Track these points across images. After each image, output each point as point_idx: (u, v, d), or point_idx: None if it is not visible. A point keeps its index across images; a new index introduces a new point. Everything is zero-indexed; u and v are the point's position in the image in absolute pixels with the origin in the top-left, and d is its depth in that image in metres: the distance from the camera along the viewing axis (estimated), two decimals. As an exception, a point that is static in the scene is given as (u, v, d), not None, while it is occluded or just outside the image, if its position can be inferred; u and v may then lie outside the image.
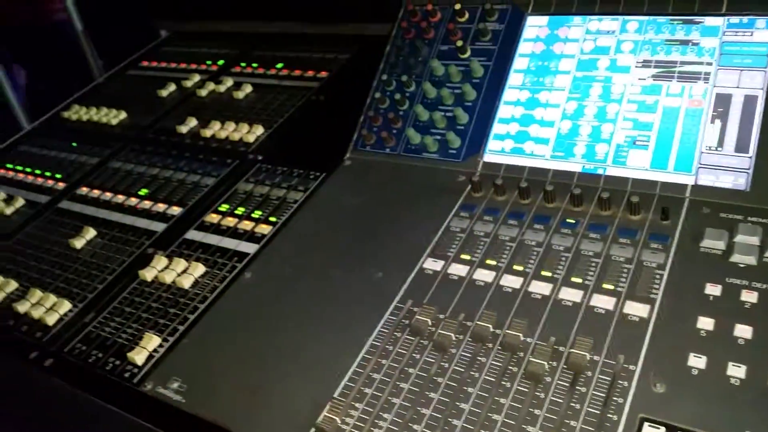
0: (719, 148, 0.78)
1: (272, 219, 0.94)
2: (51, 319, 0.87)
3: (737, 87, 0.80)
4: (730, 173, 0.76)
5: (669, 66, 0.85)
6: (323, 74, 1.29)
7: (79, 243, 1.01)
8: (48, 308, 0.89)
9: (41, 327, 0.88)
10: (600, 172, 0.83)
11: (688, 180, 0.77)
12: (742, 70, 0.81)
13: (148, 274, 0.89)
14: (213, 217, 0.99)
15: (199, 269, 0.88)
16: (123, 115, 1.38)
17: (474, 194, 0.87)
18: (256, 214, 0.97)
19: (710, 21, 0.86)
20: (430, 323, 0.70)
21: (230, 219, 0.97)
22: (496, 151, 0.91)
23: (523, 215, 0.81)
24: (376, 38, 1.14)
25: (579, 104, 0.88)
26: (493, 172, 0.89)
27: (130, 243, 0.99)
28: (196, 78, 1.42)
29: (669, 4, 0.88)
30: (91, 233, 1.03)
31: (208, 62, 1.50)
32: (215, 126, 1.21)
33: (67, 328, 0.86)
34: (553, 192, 0.81)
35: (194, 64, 1.51)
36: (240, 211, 0.98)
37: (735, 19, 0.84)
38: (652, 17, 0.89)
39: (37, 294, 0.93)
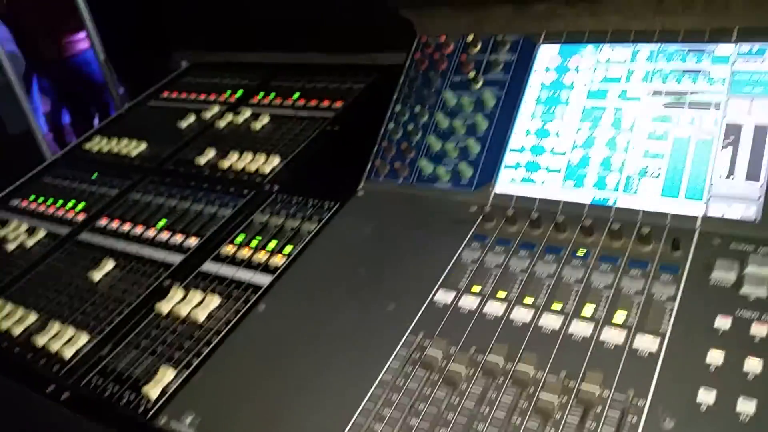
0: (730, 178, 0.77)
1: (287, 250, 0.95)
2: (68, 352, 0.89)
3: (748, 115, 0.80)
4: (741, 203, 0.75)
5: (680, 95, 0.85)
6: (339, 104, 1.31)
7: (97, 275, 1.03)
8: (66, 341, 0.91)
9: (59, 360, 0.90)
10: (611, 202, 0.83)
11: (698, 210, 0.77)
12: (753, 99, 0.81)
13: (164, 306, 0.91)
14: (229, 249, 1.00)
15: (215, 301, 0.89)
16: (143, 146, 1.41)
17: (485, 225, 0.87)
18: (271, 245, 0.98)
19: (721, 49, 0.86)
20: (441, 357, 0.70)
21: (246, 250, 0.99)
22: (508, 181, 0.91)
23: (534, 246, 0.81)
24: (392, 67, 1.15)
25: (590, 134, 0.88)
26: (505, 203, 0.89)
27: (148, 275, 1.01)
28: (216, 109, 1.45)
29: (679, 33, 0.89)
30: (109, 265, 1.05)
31: (227, 93, 1.53)
32: (233, 157, 1.23)
33: (84, 361, 0.88)
34: (564, 223, 0.81)
35: (214, 94, 1.55)
36: (255, 242, 1.00)
37: (745, 47, 0.84)
38: (662, 45, 0.89)
39: (55, 327, 0.95)
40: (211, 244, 1.03)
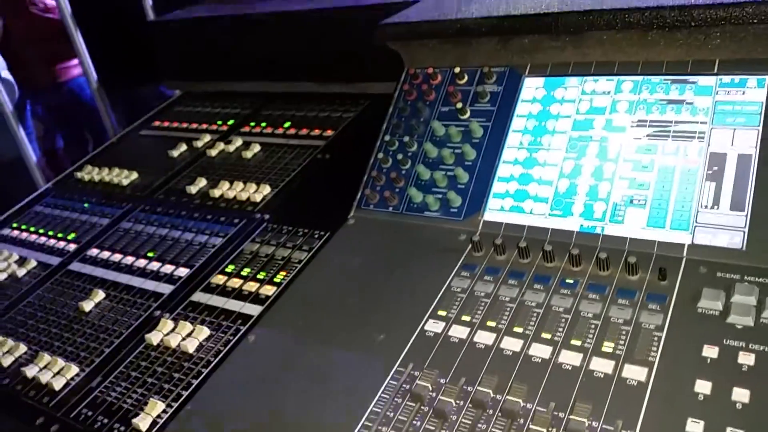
0: (715, 207, 0.78)
1: (277, 280, 0.96)
2: (58, 384, 0.89)
3: (731, 146, 0.82)
4: (726, 232, 0.76)
5: (664, 125, 0.87)
6: (329, 133, 1.33)
7: (87, 306, 1.03)
8: (55, 372, 0.91)
9: (48, 392, 0.89)
10: (598, 231, 0.84)
11: (685, 239, 0.78)
12: (735, 129, 0.83)
13: (154, 337, 0.91)
14: (219, 279, 1.00)
15: (204, 332, 0.89)
16: (134, 175, 1.42)
17: (474, 253, 0.88)
18: (261, 274, 0.98)
19: (703, 81, 0.87)
20: (430, 389, 0.70)
21: (236, 280, 0.99)
22: (496, 209, 0.92)
23: (523, 275, 0.82)
24: (381, 96, 1.17)
25: (576, 163, 0.90)
26: (494, 231, 0.90)
27: (138, 305, 1.01)
28: (207, 138, 1.46)
29: (662, 65, 0.91)
30: (99, 296, 1.05)
31: (219, 122, 1.54)
32: (224, 186, 1.24)
33: (74, 393, 0.88)
34: (552, 252, 0.82)
35: (205, 124, 1.56)
36: (245, 272, 1.00)
37: (727, 79, 0.86)
38: (646, 77, 0.91)
39: (45, 358, 0.94)
40: (201, 274, 1.03)
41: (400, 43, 1.13)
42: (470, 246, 0.88)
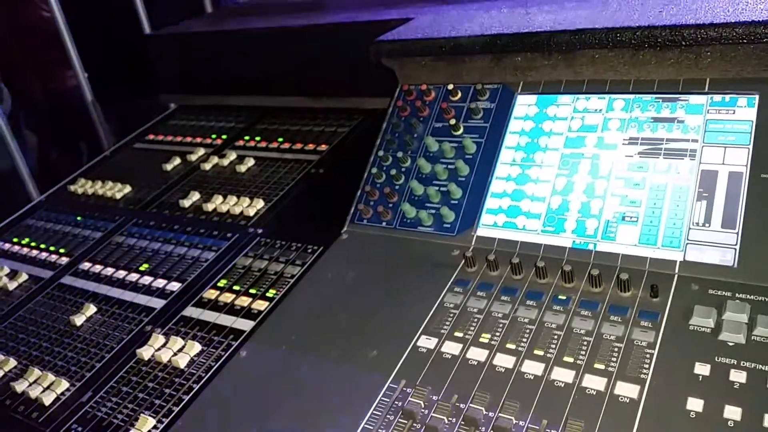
0: (706, 225, 0.79)
1: (269, 294, 0.95)
2: (48, 399, 0.88)
3: (722, 164, 0.82)
4: (718, 249, 0.77)
5: (655, 143, 0.88)
6: (323, 147, 1.33)
7: (78, 320, 1.02)
8: (45, 387, 0.90)
9: (38, 407, 0.88)
10: (590, 247, 0.84)
11: (676, 256, 0.78)
12: (726, 147, 0.83)
13: (145, 352, 0.90)
14: (211, 293, 1.00)
15: (195, 348, 0.88)
16: (128, 188, 1.41)
17: (468, 269, 0.88)
18: (254, 289, 0.98)
19: (694, 99, 0.88)
20: (422, 405, 0.70)
21: (228, 294, 0.99)
22: (489, 225, 0.92)
23: (516, 291, 0.82)
24: (376, 111, 1.17)
25: (568, 180, 0.90)
26: (487, 247, 0.90)
27: (129, 320, 1.00)
28: (201, 151, 1.47)
29: (654, 84, 0.92)
30: (91, 310, 1.04)
31: (213, 136, 1.54)
32: (217, 200, 1.24)
33: (64, 409, 0.87)
34: (545, 268, 0.82)
35: (199, 137, 1.56)
36: (238, 286, 1.00)
37: (718, 98, 0.87)
38: (637, 95, 0.92)
39: (35, 373, 0.93)
40: (193, 288, 1.03)
41: (394, 60, 1.14)
42: (463, 261, 0.88)
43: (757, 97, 0.84)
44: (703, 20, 0.85)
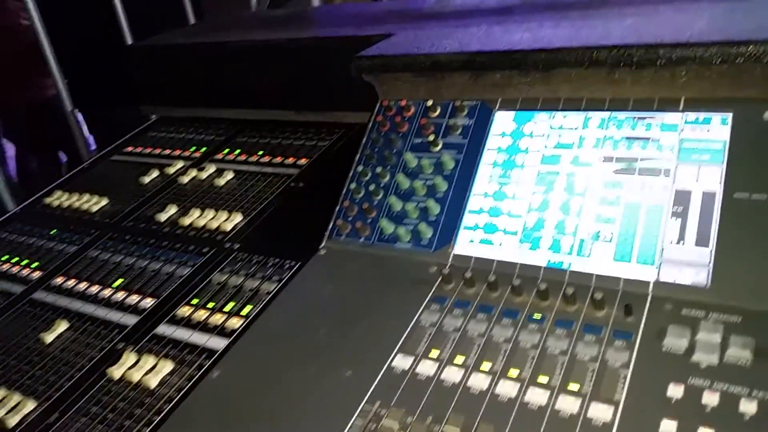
0: (680, 243, 0.79)
1: (244, 312, 0.94)
2: (13, 420, 0.86)
3: (696, 182, 0.83)
4: (692, 268, 0.77)
5: (630, 161, 0.88)
6: (303, 161, 1.32)
7: (49, 337, 1.00)
8: (11, 408, 0.88)
9: (3, 428, 0.86)
10: (565, 266, 0.84)
11: (650, 275, 0.78)
12: (700, 166, 0.84)
13: (116, 371, 0.88)
14: (185, 310, 0.99)
15: (167, 367, 0.87)
16: (104, 201, 1.39)
17: (445, 286, 0.87)
18: (229, 306, 0.97)
19: (669, 118, 0.89)
20: (397, 428, 0.69)
21: (202, 311, 0.97)
22: (467, 242, 0.92)
23: (492, 309, 0.82)
24: (357, 126, 1.17)
25: (544, 198, 0.90)
26: (464, 264, 0.90)
27: (101, 337, 0.98)
28: (180, 164, 1.45)
29: (629, 102, 0.92)
30: (62, 326, 1.02)
31: (193, 148, 1.53)
32: (195, 214, 1.22)
33: (30, 430, 0.85)
34: (521, 286, 0.82)
35: (179, 149, 1.54)
36: (213, 303, 0.98)
37: (692, 116, 0.88)
38: (613, 113, 0.93)
39: (1, 392, 0.91)
40: (167, 304, 1.01)
41: (374, 75, 1.14)
42: (440, 279, 0.88)
43: (730, 116, 0.85)
44: (678, 40, 0.85)
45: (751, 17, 0.93)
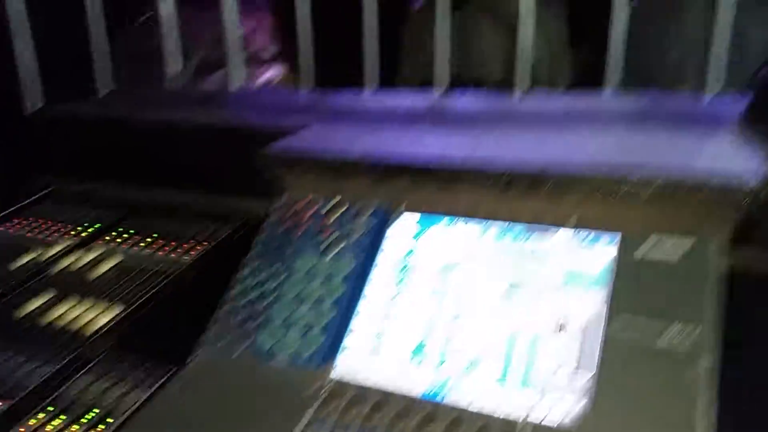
0: (561, 369, 0.77)
1: (100, 428, 0.84)
2: None
3: (581, 303, 0.82)
4: (572, 395, 0.75)
5: (521, 276, 0.87)
6: (198, 249, 1.25)
7: None
8: None
9: None
10: (442, 395, 0.81)
11: (529, 403, 0.76)
12: (587, 286, 0.83)
13: (-67, 499, 0.76)
14: (39, 418, 0.88)
15: (-2, 495, 0.75)
16: (-35, 284, 1.26)
17: (325, 408, 0.81)
18: (88, 416, 0.87)
19: (561, 234, 0.88)
20: None
21: (56, 422, 0.87)
22: (350, 361, 0.87)
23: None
24: (262, 214, 1.12)
25: (431, 317, 0.87)
26: (346, 384, 0.84)
27: (-72, 451, 0.85)
28: (63, 244, 1.34)
29: (524, 216, 0.92)
30: None
31: (82, 226, 1.42)
32: (66, 305, 1.11)
33: None
34: (401, 412, 0.77)
35: (68, 226, 1.43)
36: (70, 412, 0.88)
37: (583, 234, 0.88)
38: (511, 224, 0.91)
39: None
40: (18, 412, 0.89)
41: (279, 169, 1.11)
42: (321, 400, 0.82)
43: (619, 235, 0.85)
44: (566, 169, 0.87)
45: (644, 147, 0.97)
